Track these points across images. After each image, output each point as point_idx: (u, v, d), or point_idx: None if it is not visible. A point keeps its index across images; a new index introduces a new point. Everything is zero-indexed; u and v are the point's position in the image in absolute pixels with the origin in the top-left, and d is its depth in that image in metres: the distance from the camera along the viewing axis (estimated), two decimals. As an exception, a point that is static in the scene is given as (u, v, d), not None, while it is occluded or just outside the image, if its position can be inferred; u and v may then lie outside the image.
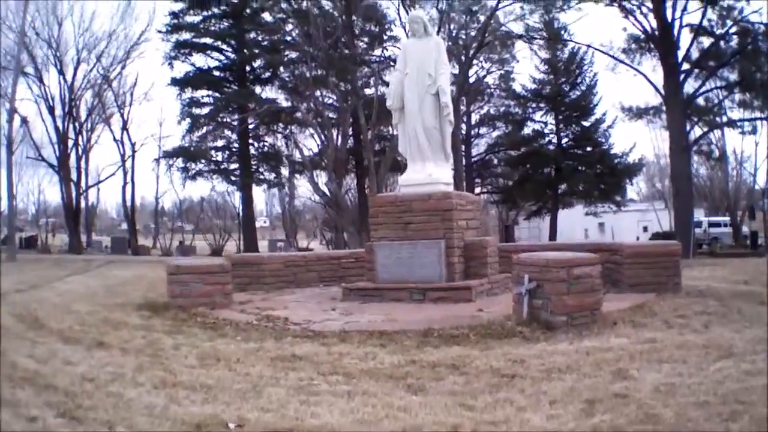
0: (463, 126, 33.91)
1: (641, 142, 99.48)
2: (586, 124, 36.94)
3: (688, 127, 25.69)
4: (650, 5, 24.50)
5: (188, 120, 33.59)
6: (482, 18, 33.61)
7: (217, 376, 4.64)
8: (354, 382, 4.54)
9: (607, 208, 37.88)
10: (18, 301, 8.86)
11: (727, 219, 46.55)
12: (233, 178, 34.76)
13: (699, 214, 40.85)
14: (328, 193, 20.72)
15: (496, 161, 40.37)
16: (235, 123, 32.55)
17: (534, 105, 38.10)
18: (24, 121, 37.28)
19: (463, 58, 33.13)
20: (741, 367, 4.55)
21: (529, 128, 38.27)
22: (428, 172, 9.54)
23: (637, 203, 52.55)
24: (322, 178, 27.19)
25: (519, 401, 4.02)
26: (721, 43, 25.36)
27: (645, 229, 49.83)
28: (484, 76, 37.70)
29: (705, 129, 27.79)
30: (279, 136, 34.27)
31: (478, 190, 38.77)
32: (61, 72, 36.88)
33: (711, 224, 46.27)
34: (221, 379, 4.56)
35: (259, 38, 34.86)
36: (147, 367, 4.91)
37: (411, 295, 8.70)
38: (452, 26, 32.34)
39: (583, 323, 6.24)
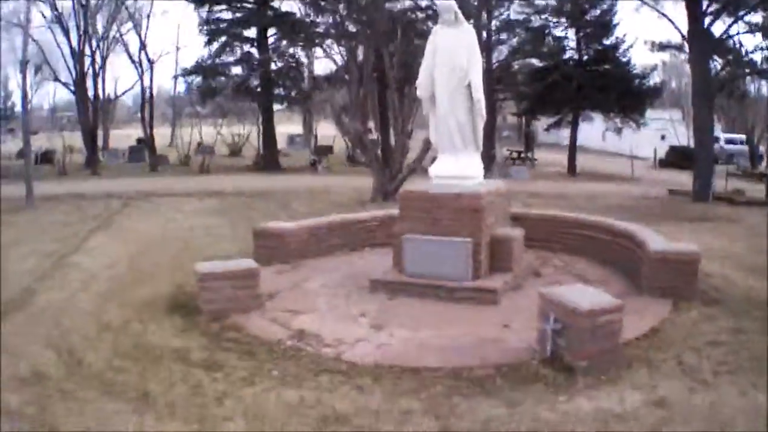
0: (484, 33, 33.01)
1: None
2: (606, 42, 36.41)
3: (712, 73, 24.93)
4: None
5: (206, 36, 33.46)
6: None
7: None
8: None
9: (626, 126, 37.77)
10: (48, 307, 8.88)
11: (743, 137, 46.54)
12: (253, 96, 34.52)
13: (716, 130, 40.85)
14: (351, 130, 20.47)
15: (517, 67, 39.69)
16: (254, 36, 32.08)
17: (555, 20, 37.25)
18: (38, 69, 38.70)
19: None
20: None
21: (549, 40, 37.55)
22: (459, 166, 9.63)
23: (655, 109, 52.09)
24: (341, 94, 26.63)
25: None
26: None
27: (663, 137, 49.93)
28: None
29: (731, 72, 26.83)
30: (299, 47, 33.76)
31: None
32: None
33: (727, 141, 46.36)
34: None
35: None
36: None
37: (437, 293, 9.00)
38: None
39: (602, 366, 6.53)
